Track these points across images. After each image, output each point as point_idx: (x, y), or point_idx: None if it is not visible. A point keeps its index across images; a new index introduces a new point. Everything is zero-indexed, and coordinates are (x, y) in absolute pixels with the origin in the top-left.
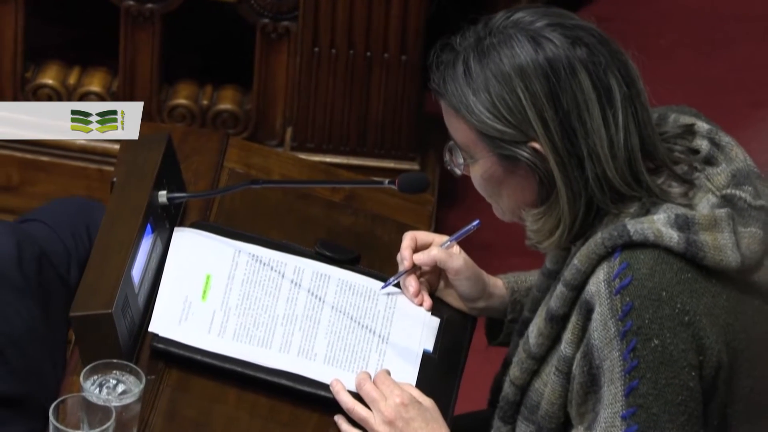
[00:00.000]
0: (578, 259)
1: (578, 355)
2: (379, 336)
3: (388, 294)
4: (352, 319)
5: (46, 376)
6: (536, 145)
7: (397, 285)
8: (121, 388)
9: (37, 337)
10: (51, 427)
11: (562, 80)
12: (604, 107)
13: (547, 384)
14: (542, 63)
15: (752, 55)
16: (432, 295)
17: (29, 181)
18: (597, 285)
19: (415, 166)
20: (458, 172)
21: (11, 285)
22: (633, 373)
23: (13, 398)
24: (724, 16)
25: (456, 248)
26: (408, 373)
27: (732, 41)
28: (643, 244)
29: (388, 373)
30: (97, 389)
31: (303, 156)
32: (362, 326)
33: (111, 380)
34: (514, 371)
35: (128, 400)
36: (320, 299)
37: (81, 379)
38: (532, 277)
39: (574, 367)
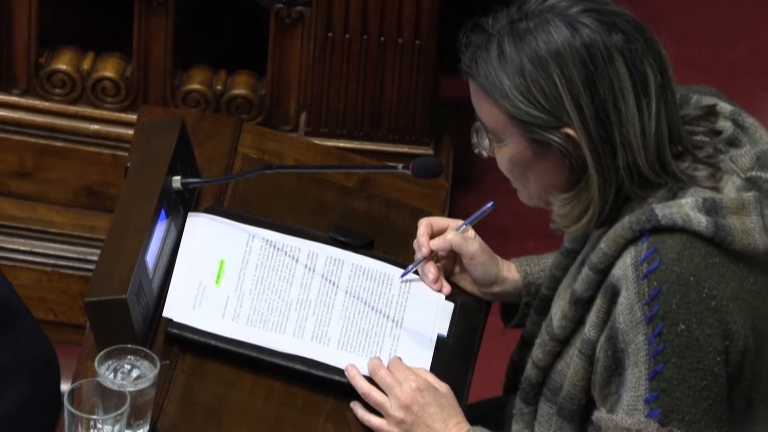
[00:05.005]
0: (605, 243)
1: (602, 339)
2: (393, 321)
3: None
4: (365, 303)
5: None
6: (570, 131)
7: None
8: (135, 373)
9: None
10: (66, 412)
11: (600, 67)
12: (639, 96)
13: (570, 366)
14: (579, 48)
15: None
16: (447, 280)
17: (43, 167)
18: (624, 269)
19: (429, 151)
20: (485, 154)
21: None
22: (658, 357)
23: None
24: None
25: (471, 232)
26: (422, 357)
27: (749, 24)
28: (671, 229)
29: (400, 359)
30: (112, 374)
31: (317, 141)
32: (376, 311)
33: (126, 365)
34: (537, 353)
35: (143, 385)
36: (334, 284)
37: (96, 364)
38: (545, 260)
39: (597, 350)
